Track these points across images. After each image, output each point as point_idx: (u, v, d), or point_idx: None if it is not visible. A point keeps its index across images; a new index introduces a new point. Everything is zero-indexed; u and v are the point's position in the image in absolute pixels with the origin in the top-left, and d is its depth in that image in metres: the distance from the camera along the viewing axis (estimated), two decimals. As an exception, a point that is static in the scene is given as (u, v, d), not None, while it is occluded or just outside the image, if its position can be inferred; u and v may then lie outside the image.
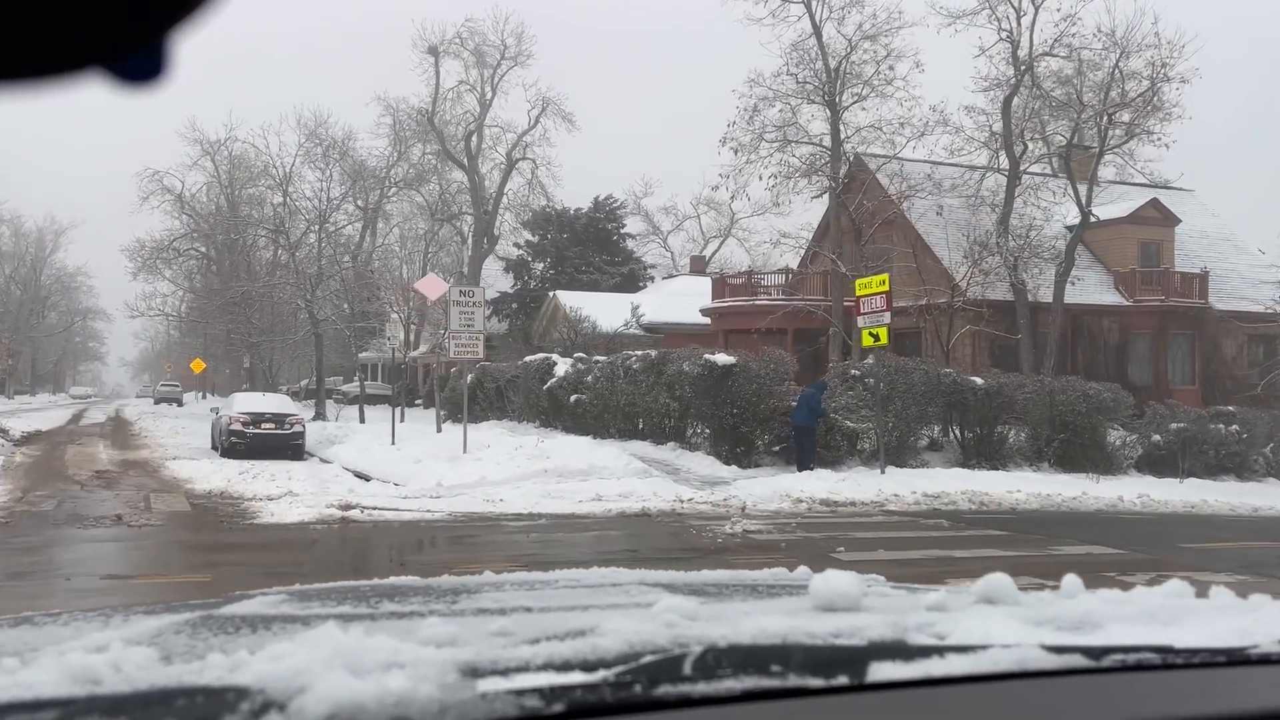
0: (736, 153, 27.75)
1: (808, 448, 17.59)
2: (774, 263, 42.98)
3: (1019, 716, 1.17)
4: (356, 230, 46.06)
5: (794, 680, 1.14)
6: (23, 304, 77.41)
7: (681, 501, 14.35)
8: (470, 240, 49.00)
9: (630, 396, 21.22)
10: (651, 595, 1.83)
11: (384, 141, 46.40)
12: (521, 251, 48.93)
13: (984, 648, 1.27)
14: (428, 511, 13.26)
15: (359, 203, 44.38)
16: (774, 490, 15.16)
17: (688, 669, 1.16)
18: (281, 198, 40.58)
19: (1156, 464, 21.87)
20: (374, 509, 13.18)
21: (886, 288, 16.97)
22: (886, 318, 16.95)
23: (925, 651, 1.25)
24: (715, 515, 13.41)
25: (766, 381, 18.46)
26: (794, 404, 18.05)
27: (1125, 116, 27.03)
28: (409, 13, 59.27)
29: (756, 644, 1.27)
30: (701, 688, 1.12)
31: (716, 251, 57.93)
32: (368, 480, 17.27)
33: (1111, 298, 31.11)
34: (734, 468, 18.04)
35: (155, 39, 0.68)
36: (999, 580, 1.73)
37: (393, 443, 21.54)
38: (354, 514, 12.77)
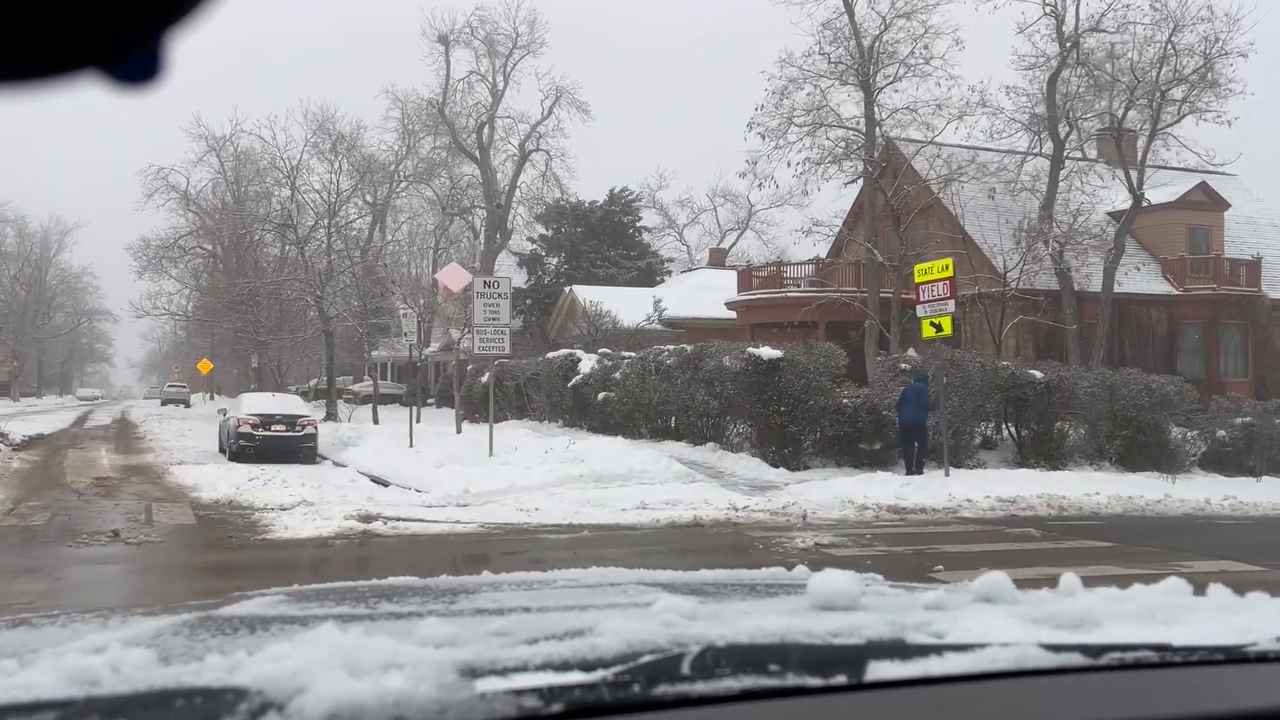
0: (764, 138, 26.43)
1: (923, 446, 16.27)
2: (793, 256, 41.63)
3: (1018, 715, 1.15)
4: (366, 225, 44.84)
5: (792, 680, 1.12)
6: (28, 305, 76.48)
7: (735, 509, 13.04)
8: (483, 235, 47.67)
9: (664, 394, 19.87)
10: (650, 595, 1.78)
11: (393, 135, 45.26)
12: (535, 246, 47.71)
13: (982, 646, 1.25)
14: (457, 522, 12.00)
15: (368, 198, 43.14)
16: (834, 495, 13.82)
17: (686, 669, 1.14)
18: (289, 191, 39.33)
19: (1221, 462, 20.67)
20: (397, 520, 11.91)
21: (950, 273, 15.58)
22: (950, 306, 15.59)
23: (923, 650, 1.24)
24: (776, 525, 12.11)
25: (815, 376, 17.12)
26: (853, 402, 16.75)
27: (1178, 94, 25.59)
28: (418, 1, 57.79)
29: (755, 643, 1.27)
30: (700, 687, 1.10)
31: (734, 245, 56.52)
32: (386, 486, 16.02)
33: (1159, 286, 29.69)
34: (782, 470, 16.72)
35: (152, 39, 0.66)
36: (997, 578, 1.72)
37: (411, 445, 20.36)
38: (376, 526, 11.50)
